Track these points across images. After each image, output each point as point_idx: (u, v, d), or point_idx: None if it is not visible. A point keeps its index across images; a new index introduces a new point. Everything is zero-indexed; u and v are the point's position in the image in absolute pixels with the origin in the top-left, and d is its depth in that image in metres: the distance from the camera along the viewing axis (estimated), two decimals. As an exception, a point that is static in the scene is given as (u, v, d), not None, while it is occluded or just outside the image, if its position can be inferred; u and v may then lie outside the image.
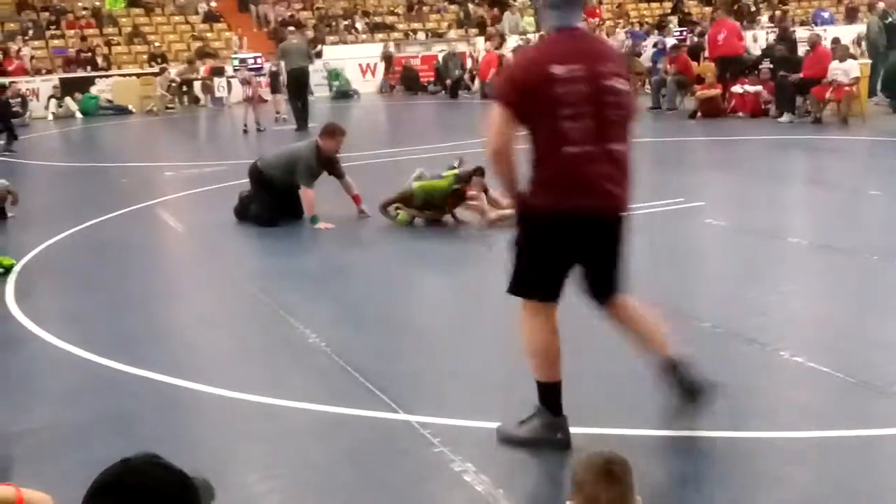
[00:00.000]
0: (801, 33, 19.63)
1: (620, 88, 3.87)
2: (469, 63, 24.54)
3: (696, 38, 20.70)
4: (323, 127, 9.35)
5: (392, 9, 29.52)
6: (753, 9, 29.80)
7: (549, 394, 4.05)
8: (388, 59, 25.86)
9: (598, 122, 3.79)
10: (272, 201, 9.03)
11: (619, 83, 3.87)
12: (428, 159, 13.16)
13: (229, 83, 23.24)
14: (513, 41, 24.76)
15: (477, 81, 23.19)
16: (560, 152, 3.78)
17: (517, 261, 4.00)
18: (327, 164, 9.03)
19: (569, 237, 3.88)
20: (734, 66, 16.66)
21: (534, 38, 24.94)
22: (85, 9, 26.33)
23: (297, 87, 17.13)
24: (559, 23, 3.94)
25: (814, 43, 15.74)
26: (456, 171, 8.61)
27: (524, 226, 3.97)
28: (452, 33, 27.72)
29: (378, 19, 28.78)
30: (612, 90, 3.83)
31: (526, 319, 4.05)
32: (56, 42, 24.95)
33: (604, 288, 4.08)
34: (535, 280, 3.98)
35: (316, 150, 8.92)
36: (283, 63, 17.57)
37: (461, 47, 25.52)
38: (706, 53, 19.03)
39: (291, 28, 20.15)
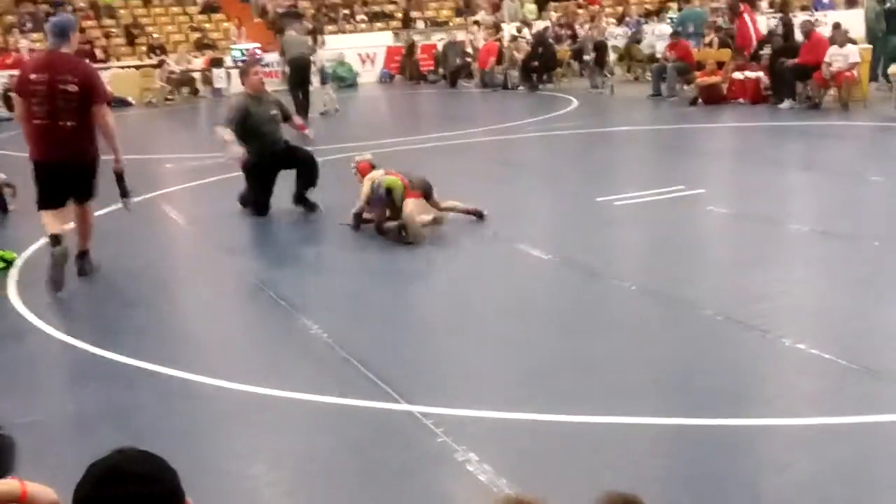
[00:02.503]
0: (801, 18, 19.55)
1: (70, 90, 6.63)
2: (470, 51, 24.42)
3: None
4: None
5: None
6: (754, -6, 29.70)
7: (52, 239, 6.74)
8: (409, 47, 25.69)
9: (53, 108, 6.66)
10: (261, 186, 9.09)
11: (69, 87, 6.63)
12: (431, 149, 13.18)
13: (228, 74, 23.20)
14: (510, 29, 24.67)
15: (477, 70, 23.12)
16: (32, 124, 6.81)
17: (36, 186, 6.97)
18: (269, 105, 9.11)
19: (44, 173, 6.87)
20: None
21: (537, 25, 24.88)
22: (83, 2, 26.25)
23: (300, 78, 17.11)
24: (48, 46, 7.07)
25: (808, 30, 15.67)
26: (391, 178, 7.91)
27: (32, 166, 6.98)
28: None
29: (377, 8, 28.69)
30: (61, 91, 6.63)
31: (43, 217, 6.86)
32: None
33: (75, 197, 6.97)
34: (40, 198, 6.92)
35: (243, 95, 9.15)
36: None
37: (461, 36, 25.42)
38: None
39: (288, 20, 20.17)
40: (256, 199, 9.10)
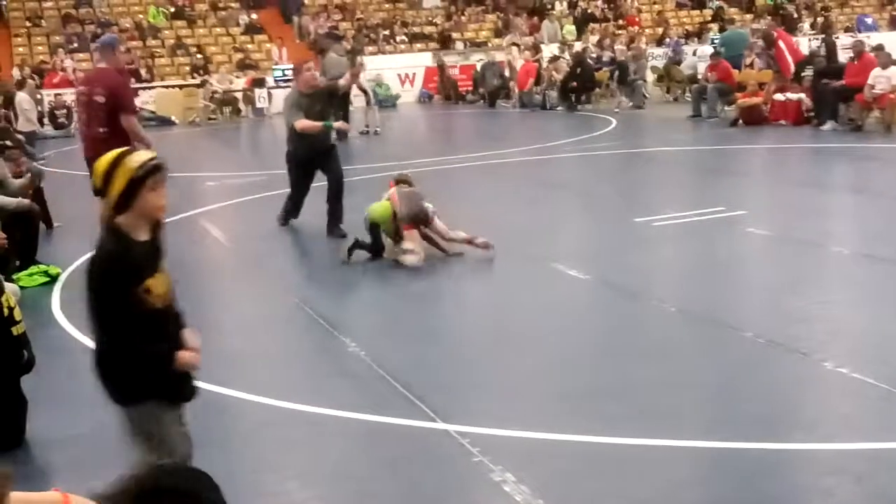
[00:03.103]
0: (844, 40, 19.36)
1: (98, 100, 7.49)
2: (507, 72, 24.46)
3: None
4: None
5: (430, 19, 29.60)
6: (796, 15, 29.52)
7: None
8: (440, 67, 25.83)
9: (89, 116, 7.65)
10: (300, 183, 9.38)
11: (98, 98, 7.49)
12: (470, 168, 13.21)
13: (270, 94, 23.47)
14: (550, 50, 24.68)
15: (515, 91, 23.14)
16: (80, 129, 8.19)
17: None
18: (325, 96, 9.37)
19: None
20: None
21: (576, 45, 24.89)
22: (128, 23, 26.70)
23: (339, 97, 17.38)
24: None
25: (859, 51, 15.51)
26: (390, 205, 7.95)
27: None
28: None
29: (417, 29, 28.87)
30: (94, 101, 7.53)
31: None
32: (100, 54, 25.30)
33: None
34: None
35: (296, 92, 9.26)
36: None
37: (499, 56, 25.48)
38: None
39: (329, 41, 20.40)
40: (292, 196, 9.39)
